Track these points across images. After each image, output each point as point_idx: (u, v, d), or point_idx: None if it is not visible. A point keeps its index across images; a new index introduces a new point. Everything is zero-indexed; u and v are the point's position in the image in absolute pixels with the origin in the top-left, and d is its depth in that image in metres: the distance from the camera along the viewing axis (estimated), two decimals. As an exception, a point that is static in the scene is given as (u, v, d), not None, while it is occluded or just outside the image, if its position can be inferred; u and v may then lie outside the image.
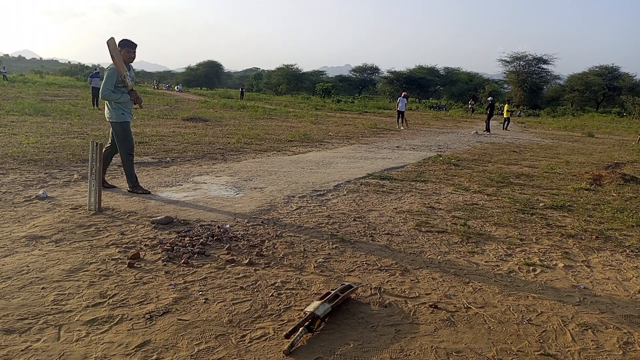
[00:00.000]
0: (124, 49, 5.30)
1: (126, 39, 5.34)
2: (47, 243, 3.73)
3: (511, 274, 3.68)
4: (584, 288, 3.49)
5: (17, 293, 2.86)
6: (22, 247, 3.60)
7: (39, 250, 3.57)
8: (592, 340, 2.72)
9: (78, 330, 2.51)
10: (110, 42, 5.15)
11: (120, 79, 5.24)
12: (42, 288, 2.95)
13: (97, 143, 4.66)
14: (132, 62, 5.43)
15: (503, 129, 23.38)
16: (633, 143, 18.09)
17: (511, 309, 3.07)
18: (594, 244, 4.56)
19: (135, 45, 5.37)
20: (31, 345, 2.34)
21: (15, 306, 2.70)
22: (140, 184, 5.69)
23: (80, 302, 2.81)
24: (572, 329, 2.84)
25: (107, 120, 5.43)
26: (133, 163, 5.54)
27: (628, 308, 3.18)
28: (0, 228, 4.02)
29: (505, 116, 24.16)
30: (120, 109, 5.35)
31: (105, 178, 5.75)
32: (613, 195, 7.03)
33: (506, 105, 24.68)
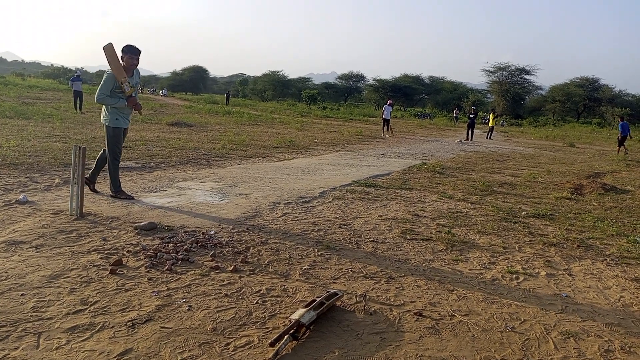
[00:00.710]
0: (127, 55, 5.24)
1: (130, 45, 5.28)
2: (27, 248, 3.65)
3: (495, 282, 3.71)
4: (566, 296, 3.54)
5: (-5, 300, 2.80)
6: (1, 253, 3.52)
7: (19, 255, 3.50)
8: (574, 348, 2.75)
9: (58, 338, 2.46)
10: (108, 48, 5.11)
11: (117, 85, 5.18)
12: (22, 295, 2.89)
13: (79, 147, 4.60)
14: (135, 67, 5.37)
15: (487, 138, 23.66)
16: (613, 153, 18.45)
17: (495, 316, 3.09)
18: (575, 253, 4.63)
19: (139, 52, 5.31)
20: (9, 354, 2.28)
21: (-7, 313, 2.64)
22: (124, 189, 5.62)
23: (61, 309, 2.76)
24: (555, 337, 2.87)
25: (102, 122, 5.38)
26: (118, 168, 5.48)
27: (609, 316, 3.23)
28: (-21, 233, 3.93)
29: (490, 125, 24.47)
30: (116, 114, 5.31)
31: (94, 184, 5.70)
32: (594, 205, 7.15)
33: (491, 114, 24.99)
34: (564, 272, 4.06)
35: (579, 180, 9.49)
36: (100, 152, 5.61)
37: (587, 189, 8.36)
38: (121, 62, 5.22)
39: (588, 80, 55.92)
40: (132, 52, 5.27)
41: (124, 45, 5.29)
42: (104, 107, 5.35)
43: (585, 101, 54.92)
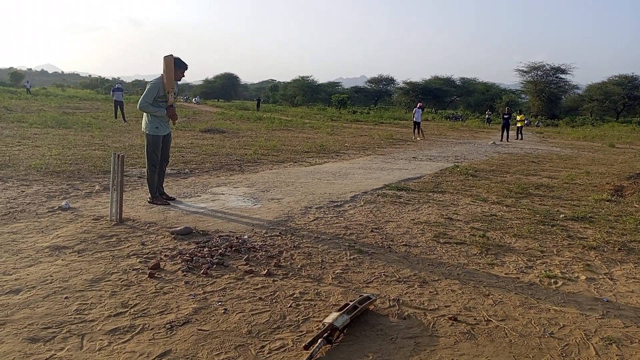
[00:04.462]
0: (176, 68, 5.48)
1: (180, 60, 5.53)
2: (69, 253, 3.80)
3: (532, 287, 3.63)
4: (607, 301, 3.43)
5: (41, 302, 2.92)
6: (46, 257, 3.68)
7: (62, 260, 3.64)
8: (616, 355, 2.67)
9: (100, 339, 2.55)
10: (168, 59, 5.39)
11: (161, 94, 5.39)
12: (65, 297, 3.00)
13: (118, 155, 4.75)
14: (179, 81, 5.68)
15: (516, 138, 23.16)
16: None
17: (532, 322, 3.02)
18: (616, 256, 4.48)
19: (187, 67, 5.60)
20: (55, 354, 2.38)
21: (40, 315, 2.76)
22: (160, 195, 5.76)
23: (103, 311, 2.86)
24: (596, 343, 2.79)
25: (142, 130, 5.58)
26: (155, 175, 5.62)
27: (653, 322, 3.11)
28: (25, 238, 4.11)
29: (518, 125, 23.98)
30: (156, 122, 5.50)
31: (164, 190, 5.91)
32: (635, 207, 6.89)
33: (518, 115, 24.50)
34: (605, 277, 3.94)
35: (620, 181, 9.17)
36: (147, 167, 5.73)
37: (628, 191, 8.07)
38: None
39: (627, 78, 53.88)
40: (181, 67, 5.56)
41: (175, 57, 5.52)
42: (145, 115, 5.54)
43: (624, 100, 52.96)
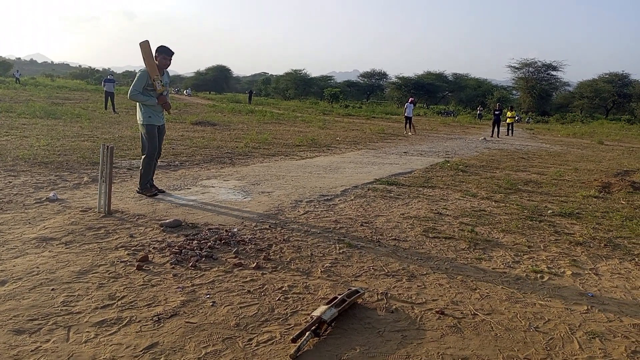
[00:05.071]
0: (161, 55, 5.43)
1: (164, 46, 5.46)
2: (57, 245, 3.77)
3: (519, 281, 3.67)
4: (592, 296, 3.47)
5: (27, 294, 2.90)
6: (33, 249, 3.65)
7: (49, 251, 3.62)
8: (599, 349, 2.71)
9: (87, 331, 2.54)
10: (144, 45, 5.29)
11: (150, 82, 5.32)
12: (52, 289, 2.98)
13: (107, 146, 4.71)
14: (167, 68, 5.55)
15: (507, 135, 23.29)
16: None
17: (518, 316, 3.06)
18: (602, 252, 4.54)
19: (172, 53, 5.50)
20: (41, 346, 2.37)
21: (26, 307, 2.74)
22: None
23: (90, 303, 2.84)
24: (580, 337, 2.83)
25: (137, 122, 5.53)
26: (150, 167, 5.57)
27: (637, 317, 3.16)
28: (11, 229, 4.07)
29: (508, 122, 24.09)
30: (149, 111, 5.46)
31: (154, 182, 5.84)
32: (622, 203, 6.98)
33: (508, 111, 24.60)
34: (590, 272, 3.99)
35: (607, 178, 9.27)
36: (143, 156, 5.67)
37: (615, 187, 8.17)
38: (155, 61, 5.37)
39: (617, 76, 54.31)
40: (165, 53, 5.44)
41: (159, 45, 5.43)
42: (138, 107, 5.48)
43: (614, 97, 53.44)
